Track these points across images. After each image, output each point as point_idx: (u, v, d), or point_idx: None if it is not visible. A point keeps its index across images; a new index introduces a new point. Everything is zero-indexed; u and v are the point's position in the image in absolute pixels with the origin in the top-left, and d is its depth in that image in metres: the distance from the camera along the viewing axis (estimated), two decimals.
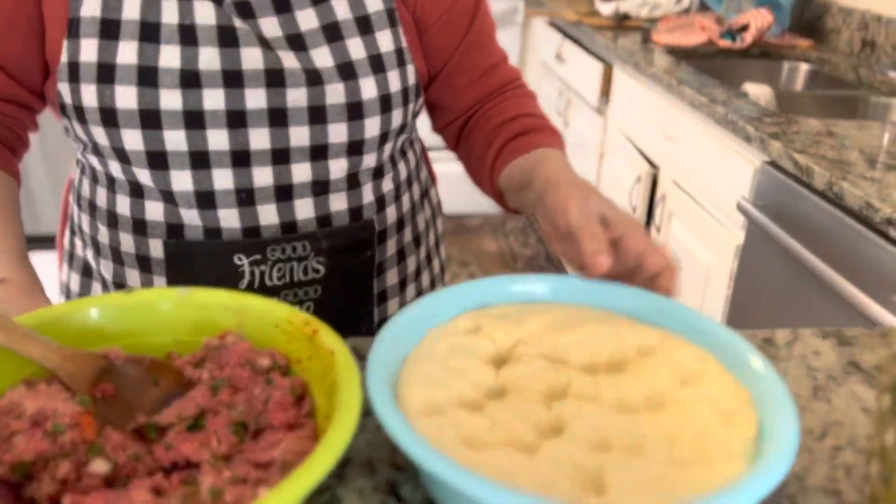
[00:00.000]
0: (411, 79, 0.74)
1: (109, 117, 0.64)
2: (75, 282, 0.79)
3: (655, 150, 1.87)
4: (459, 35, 0.77)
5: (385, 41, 0.71)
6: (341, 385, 0.43)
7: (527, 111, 0.80)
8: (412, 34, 0.74)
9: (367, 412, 0.53)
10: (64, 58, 0.64)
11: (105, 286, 0.76)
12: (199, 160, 0.66)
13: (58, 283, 0.83)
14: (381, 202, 0.77)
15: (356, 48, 0.69)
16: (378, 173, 0.76)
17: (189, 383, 0.48)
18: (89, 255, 0.76)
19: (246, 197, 0.68)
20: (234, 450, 0.44)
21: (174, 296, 0.52)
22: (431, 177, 0.92)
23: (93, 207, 0.74)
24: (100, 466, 0.40)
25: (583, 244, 0.55)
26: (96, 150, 0.68)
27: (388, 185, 0.78)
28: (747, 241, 1.40)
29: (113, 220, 0.72)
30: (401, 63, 0.72)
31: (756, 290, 1.37)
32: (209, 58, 0.64)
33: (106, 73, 0.63)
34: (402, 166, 0.80)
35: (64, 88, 0.65)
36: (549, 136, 0.77)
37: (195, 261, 0.69)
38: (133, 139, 0.65)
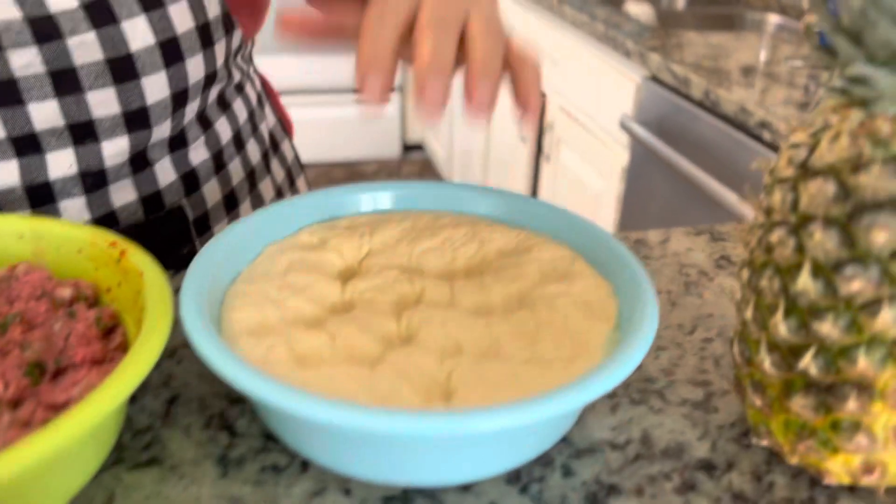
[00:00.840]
0: (214, 9, 0.53)
1: None
2: None
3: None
4: None
5: None
6: (149, 306, 0.37)
7: None
8: None
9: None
10: None
11: None
12: None
13: None
14: (191, 179, 0.58)
15: None
16: (179, 143, 0.56)
17: None
18: None
19: None
20: (26, 393, 0.37)
21: None
22: (286, 126, 0.72)
23: None
24: None
25: (417, 82, 0.38)
26: None
27: (199, 153, 0.58)
28: (632, 162, 1.40)
29: None
30: None
31: (642, 210, 1.37)
32: None
33: None
34: (222, 123, 0.60)
35: None
36: None
37: None
38: None
